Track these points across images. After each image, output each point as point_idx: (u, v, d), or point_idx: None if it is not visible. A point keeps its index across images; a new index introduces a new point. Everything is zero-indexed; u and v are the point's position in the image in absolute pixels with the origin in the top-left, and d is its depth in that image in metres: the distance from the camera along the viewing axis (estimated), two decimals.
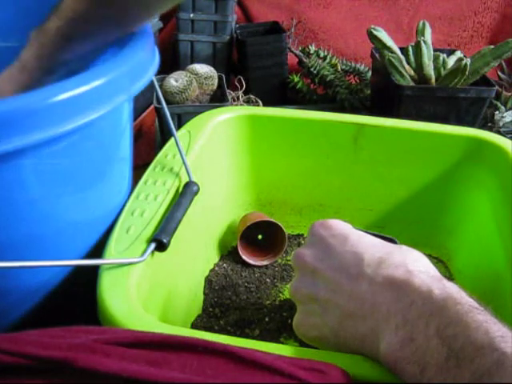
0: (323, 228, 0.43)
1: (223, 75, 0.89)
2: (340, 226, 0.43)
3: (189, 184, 0.53)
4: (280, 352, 0.34)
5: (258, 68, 1.00)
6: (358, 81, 1.06)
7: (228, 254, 0.69)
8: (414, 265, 0.37)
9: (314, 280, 0.41)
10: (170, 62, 1.04)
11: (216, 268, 0.66)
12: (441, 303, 0.33)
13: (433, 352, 0.31)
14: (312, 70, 1.02)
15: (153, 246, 0.45)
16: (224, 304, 0.60)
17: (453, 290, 0.34)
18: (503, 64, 0.95)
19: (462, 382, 0.29)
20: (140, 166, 0.59)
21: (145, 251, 0.44)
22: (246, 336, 0.56)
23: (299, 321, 0.42)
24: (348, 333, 0.37)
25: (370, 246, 0.40)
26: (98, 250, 0.46)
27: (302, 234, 0.72)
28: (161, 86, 0.82)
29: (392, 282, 0.36)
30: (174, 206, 0.50)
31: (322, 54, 1.04)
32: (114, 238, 0.46)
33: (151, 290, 0.46)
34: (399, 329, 0.34)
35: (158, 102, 0.78)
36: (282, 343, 0.55)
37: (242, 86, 0.95)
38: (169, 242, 0.46)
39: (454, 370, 0.30)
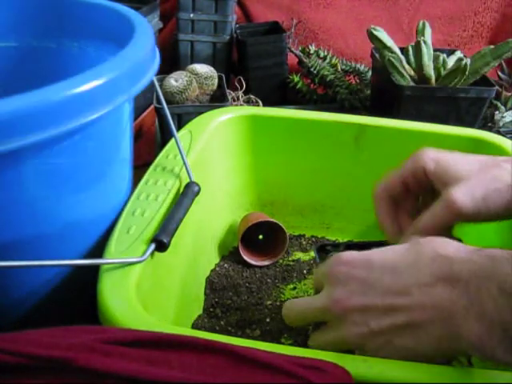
0: (342, 265, 0.41)
1: (223, 75, 0.89)
2: (354, 255, 0.41)
3: (189, 184, 0.53)
4: (280, 351, 0.34)
5: (258, 68, 1.00)
6: (358, 81, 1.06)
7: (229, 254, 0.69)
8: (443, 250, 0.37)
9: (367, 318, 0.38)
10: (170, 62, 1.04)
11: (217, 268, 0.65)
12: (490, 268, 0.34)
13: (507, 311, 0.32)
14: (312, 69, 1.02)
15: (153, 246, 0.45)
16: (225, 304, 0.60)
17: (494, 253, 0.35)
18: (503, 64, 0.95)
19: None
20: (140, 166, 0.59)
21: (145, 251, 0.44)
22: (247, 336, 0.55)
23: (377, 353, 0.39)
24: (425, 344, 0.37)
25: (393, 258, 0.39)
26: (98, 249, 0.46)
27: (304, 235, 0.72)
28: (161, 86, 0.82)
29: (438, 278, 0.36)
30: (174, 207, 0.50)
31: (322, 54, 1.04)
32: (115, 237, 0.46)
33: (151, 290, 0.46)
34: (469, 309, 0.34)
35: (158, 102, 0.78)
36: (283, 344, 0.55)
37: (241, 86, 0.95)
38: (169, 242, 0.46)
39: None
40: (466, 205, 0.42)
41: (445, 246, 0.38)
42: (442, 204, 0.43)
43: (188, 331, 0.39)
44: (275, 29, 1.06)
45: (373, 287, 0.38)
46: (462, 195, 0.42)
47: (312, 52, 1.05)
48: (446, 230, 0.45)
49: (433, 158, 0.46)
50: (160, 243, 0.45)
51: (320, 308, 0.41)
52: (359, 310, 0.38)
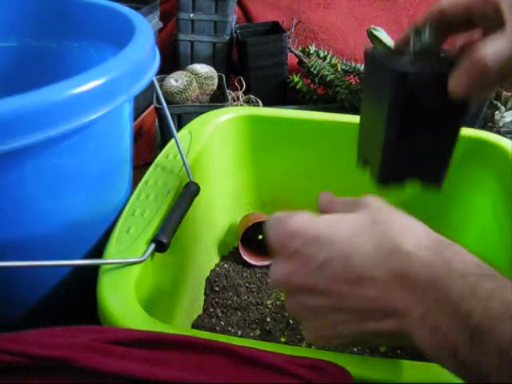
0: (289, 237, 0.37)
1: (223, 75, 0.89)
2: (303, 226, 0.36)
3: (189, 185, 0.53)
4: (280, 351, 0.34)
5: (258, 68, 1.00)
6: (358, 81, 1.06)
7: (229, 254, 0.69)
8: (404, 241, 0.34)
9: (312, 297, 0.36)
10: (170, 62, 1.04)
11: (217, 268, 0.65)
12: (447, 282, 0.31)
13: (458, 333, 0.30)
14: (312, 69, 1.02)
15: (153, 246, 0.45)
16: (225, 304, 0.60)
17: (455, 260, 0.32)
18: None
19: (492, 356, 0.28)
20: (140, 166, 0.59)
21: (145, 252, 0.44)
22: (247, 336, 0.55)
23: (315, 336, 0.37)
24: (372, 333, 0.35)
25: (345, 239, 0.35)
26: (98, 249, 0.46)
27: None
28: (161, 86, 0.82)
29: (395, 277, 0.34)
30: (174, 207, 0.50)
31: (322, 54, 1.04)
32: (115, 237, 0.46)
33: (151, 290, 0.46)
34: (424, 319, 0.32)
35: (158, 102, 0.78)
36: (283, 343, 0.55)
37: (241, 86, 0.95)
38: (169, 242, 0.46)
39: (480, 345, 0.29)
40: None
41: (405, 235, 0.34)
42: None
43: (188, 331, 0.39)
44: (275, 29, 1.06)
45: (319, 269, 0.35)
46: None
47: (312, 52, 1.05)
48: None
49: None
50: (160, 243, 0.45)
51: (270, 279, 0.39)
52: (299, 290, 0.36)
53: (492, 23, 0.38)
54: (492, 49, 0.35)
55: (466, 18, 0.40)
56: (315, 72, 1.02)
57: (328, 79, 1.01)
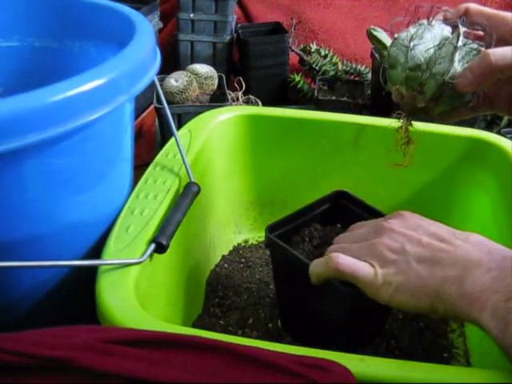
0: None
1: (223, 75, 0.89)
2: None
3: (189, 185, 0.53)
4: (282, 351, 0.34)
5: (259, 68, 1.00)
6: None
7: (229, 253, 0.69)
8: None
9: (412, 245, 0.42)
10: (170, 62, 1.04)
11: (217, 268, 0.65)
12: None
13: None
14: (314, 66, 1.02)
15: (152, 247, 0.45)
16: (225, 304, 0.60)
17: None
18: None
19: None
20: (140, 166, 0.59)
21: (144, 252, 0.44)
22: (247, 336, 0.55)
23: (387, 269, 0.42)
24: (431, 278, 0.40)
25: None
26: (98, 249, 0.46)
27: None
28: (161, 86, 0.82)
29: (482, 243, 0.40)
30: (174, 207, 0.50)
31: (322, 53, 1.05)
32: (114, 236, 0.46)
33: (150, 290, 0.46)
34: (492, 271, 0.37)
35: (159, 101, 0.78)
36: (283, 343, 0.55)
37: (241, 86, 0.95)
38: (168, 244, 0.46)
39: None
40: None
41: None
42: None
43: (189, 330, 0.39)
44: (277, 29, 1.06)
45: (427, 226, 0.44)
46: None
47: (313, 50, 1.05)
48: None
49: None
50: (159, 245, 0.45)
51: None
52: (403, 235, 0.43)
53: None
54: (500, 50, 0.41)
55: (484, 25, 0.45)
56: (317, 68, 1.02)
57: (330, 75, 1.01)
